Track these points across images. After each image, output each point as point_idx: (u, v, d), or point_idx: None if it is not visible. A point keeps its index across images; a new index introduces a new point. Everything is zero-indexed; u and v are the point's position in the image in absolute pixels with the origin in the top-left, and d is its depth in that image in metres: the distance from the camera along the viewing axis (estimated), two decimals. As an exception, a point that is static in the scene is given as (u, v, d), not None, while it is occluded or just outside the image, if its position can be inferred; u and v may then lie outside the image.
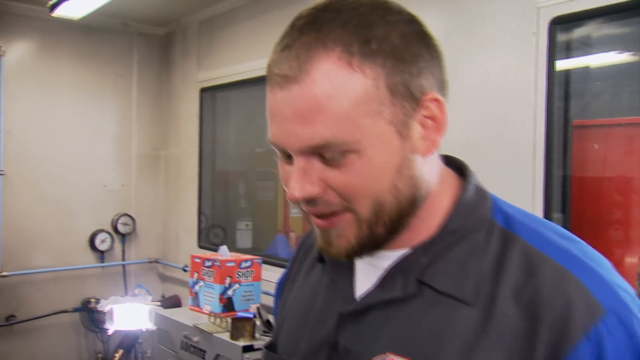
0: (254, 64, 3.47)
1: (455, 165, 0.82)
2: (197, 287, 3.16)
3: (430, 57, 0.72)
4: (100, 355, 4.13)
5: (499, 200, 0.80)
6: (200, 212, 4.10)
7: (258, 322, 2.72)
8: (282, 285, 0.99)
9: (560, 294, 0.67)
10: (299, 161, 0.70)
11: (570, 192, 2.18)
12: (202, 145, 4.07)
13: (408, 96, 0.70)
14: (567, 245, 0.72)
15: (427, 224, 0.76)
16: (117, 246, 4.27)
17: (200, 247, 4.02)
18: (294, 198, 0.71)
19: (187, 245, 4.12)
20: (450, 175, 0.80)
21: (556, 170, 2.16)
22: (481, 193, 0.79)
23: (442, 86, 0.74)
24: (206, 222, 4.17)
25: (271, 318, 2.84)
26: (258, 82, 3.48)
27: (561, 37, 2.14)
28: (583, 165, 2.22)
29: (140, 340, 3.66)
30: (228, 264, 3.07)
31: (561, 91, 2.17)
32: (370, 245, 0.74)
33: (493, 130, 2.27)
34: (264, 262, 3.29)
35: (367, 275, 0.79)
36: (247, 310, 3.03)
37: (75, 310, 4.05)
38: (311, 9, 0.71)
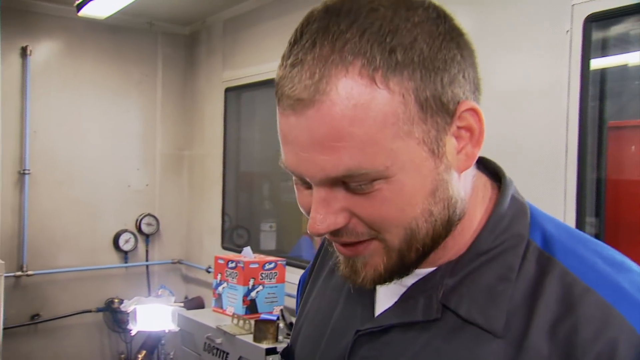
0: (278, 64, 3.43)
1: (490, 170, 0.74)
2: (220, 289, 3.14)
3: (463, 59, 0.63)
4: (123, 356, 4.13)
5: (539, 214, 0.71)
6: (224, 213, 4.08)
7: (281, 325, 2.68)
8: (303, 283, 0.94)
9: (601, 334, 0.59)
10: (319, 191, 0.63)
11: (605, 196, 2.11)
12: (226, 146, 4.05)
13: (440, 110, 0.61)
14: (614, 275, 0.63)
15: (457, 242, 0.68)
16: (141, 246, 4.27)
17: (224, 248, 3.99)
18: (317, 232, 0.63)
19: (211, 246, 4.10)
20: (485, 183, 0.72)
21: (590, 172, 2.09)
22: (519, 206, 0.70)
23: (475, 88, 0.66)
24: (230, 223, 4.15)
25: (294, 319, 2.80)
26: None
27: (596, 35, 2.06)
28: (619, 168, 2.15)
29: (162, 342, 3.65)
30: (252, 266, 3.03)
31: (596, 91, 2.10)
32: (400, 271, 0.67)
33: (523, 131, 2.21)
34: (288, 264, 3.25)
35: (388, 291, 0.72)
36: (270, 313, 2.99)
37: (98, 310, 4.06)
38: (323, 10, 0.62)
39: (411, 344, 0.68)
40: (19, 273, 3.79)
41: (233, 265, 3.06)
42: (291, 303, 3.25)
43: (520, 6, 2.24)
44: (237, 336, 2.71)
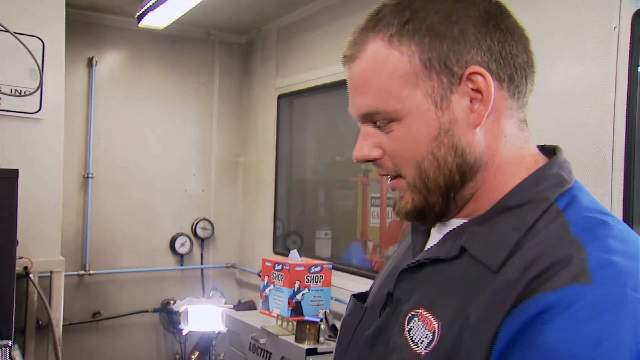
0: (330, 69, 3.48)
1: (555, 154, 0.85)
2: (267, 291, 3.18)
3: (480, 33, 0.76)
4: (177, 356, 4.24)
5: (583, 193, 0.78)
6: (275, 219, 4.13)
7: (323, 326, 2.69)
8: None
9: (556, 256, 0.68)
10: (362, 128, 0.83)
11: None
12: (278, 152, 4.11)
13: (445, 71, 0.76)
14: (606, 232, 0.71)
15: (489, 198, 0.80)
16: (196, 250, 4.38)
17: (275, 253, 4.04)
18: (356, 157, 0.83)
19: (263, 251, 4.16)
20: (537, 160, 0.82)
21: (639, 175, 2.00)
22: (559, 181, 0.78)
23: (502, 59, 0.77)
24: (282, 229, 4.19)
25: (337, 323, 2.81)
26: (335, 87, 3.48)
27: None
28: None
29: (214, 343, 3.72)
30: (297, 268, 3.06)
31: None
32: (428, 212, 0.81)
33: (566, 132, 2.14)
34: (335, 268, 3.26)
35: (434, 239, 0.86)
36: (316, 316, 3.00)
37: (155, 310, 4.19)
38: None
39: (435, 277, 0.80)
40: (82, 272, 3.97)
41: (279, 267, 3.10)
42: (337, 307, 3.25)
43: (566, 3, 2.19)
44: (280, 336, 2.74)
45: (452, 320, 0.73)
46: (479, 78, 0.76)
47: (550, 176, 0.78)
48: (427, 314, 0.77)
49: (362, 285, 3.20)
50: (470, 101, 0.77)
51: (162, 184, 4.25)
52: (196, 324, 3.53)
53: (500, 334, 0.66)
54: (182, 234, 4.28)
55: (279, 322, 2.87)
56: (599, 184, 2.03)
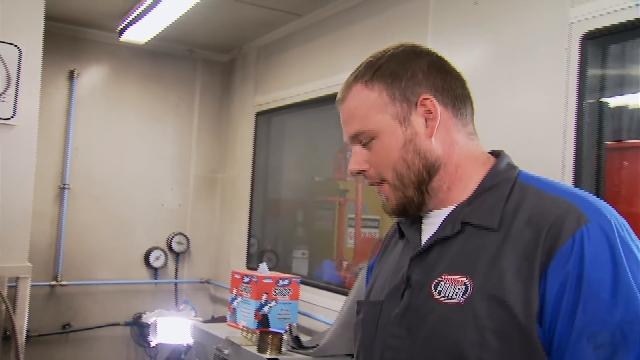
0: (307, 87, 3.55)
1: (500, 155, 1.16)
2: (235, 303, 3.20)
3: (424, 74, 1.07)
4: (148, 370, 4.22)
5: (527, 172, 1.09)
6: (250, 235, 4.16)
7: (285, 337, 2.71)
8: (371, 267, 1.31)
9: (557, 211, 0.95)
10: (353, 147, 1.12)
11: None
12: (255, 169, 4.15)
13: (404, 99, 1.07)
14: (570, 189, 1.02)
15: (467, 188, 1.07)
16: (171, 264, 4.40)
17: (249, 269, 4.05)
18: (350, 171, 1.12)
19: (237, 267, 4.16)
20: (488, 158, 1.11)
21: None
22: (511, 167, 1.09)
23: (443, 90, 1.08)
24: (257, 246, 4.22)
25: (301, 335, 2.83)
26: (311, 104, 3.55)
27: (595, 53, 2.07)
28: (618, 189, 2.11)
29: (183, 356, 3.72)
30: (265, 281, 3.09)
31: (594, 110, 2.08)
32: (409, 204, 1.08)
33: (520, 148, 2.20)
34: (304, 283, 3.29)
35: (429, 229, 1.10)
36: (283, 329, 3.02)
37: (126, 324, 4.19)
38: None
39: (446, 252, 1.04)
40: (54, 283, 3.97)
41: (247, 280, 3.13)
42: (304, 322, 3.27)
43: (521, 25, 2.27)
44: (243, 347, 2.75)
45: (480, 270, 0.97)
46: (428, 102, 1.06)
47: (505, 165, 1.09)
48: (451, 276, 1.00)
49: (332, 300, 3.22)
50: (425, 120, 1.07)
51: (139, 197, 4.27)
52: (165, 336, 3.53)
53: (549, 276, 0.92)
54: (157, 248, 4.30)
55: (244, 333, 2.89)
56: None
